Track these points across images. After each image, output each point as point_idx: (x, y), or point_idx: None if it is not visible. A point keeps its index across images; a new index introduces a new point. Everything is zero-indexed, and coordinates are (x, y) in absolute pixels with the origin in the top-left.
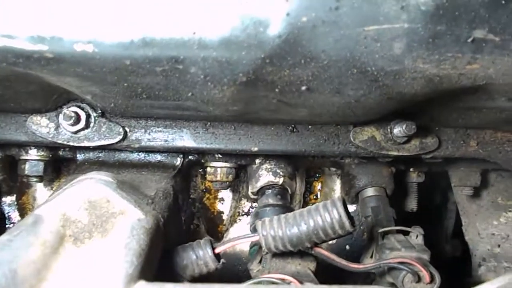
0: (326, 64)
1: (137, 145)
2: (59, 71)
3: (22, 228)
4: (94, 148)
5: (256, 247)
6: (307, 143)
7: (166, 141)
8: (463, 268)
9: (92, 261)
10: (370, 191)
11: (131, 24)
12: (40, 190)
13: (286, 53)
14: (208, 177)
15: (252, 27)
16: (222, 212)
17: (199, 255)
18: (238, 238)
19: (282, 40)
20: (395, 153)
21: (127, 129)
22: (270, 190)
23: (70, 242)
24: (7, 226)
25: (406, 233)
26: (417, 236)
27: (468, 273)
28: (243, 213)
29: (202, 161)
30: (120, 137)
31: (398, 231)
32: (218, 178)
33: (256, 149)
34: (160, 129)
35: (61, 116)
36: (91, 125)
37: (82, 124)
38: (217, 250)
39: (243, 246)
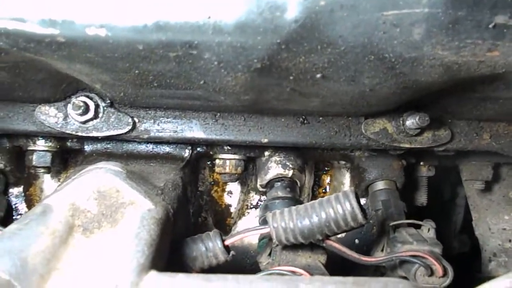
0: (343, 50)
1: (146, 136)
2: (70, 56)
3: (31, 217)
4: (102, 139)
5: (265, 239)
6: (317, 135)
7: (175, 132)
8: (470, 264)
9: (102, 251)
10: (380, 185)
11: (144, 7)
12: (47, 182)
13: (302, 39)
14: (217, 169)
15: (268, 11)
16: (230, 205)
17: (209, 247)
18: (248, 230)
19: (299, 25)
20: (407, 145)
21: (136, 120)
22: (279, 183)
23: (79, 232)
24: (14, 217)
25: (417, 227)
26: (428, 230)
27: (477, 268)
28: (252, 206)
29: (211, 153)
30: (129, 127)
31: (409, 225)
32: (227, 170)
33: (266, 140)
34: (169, 119)
35: (69, 105)
36: (100, 115)
37: (91, 114)
38: (226, 242)
39: (251, 239)
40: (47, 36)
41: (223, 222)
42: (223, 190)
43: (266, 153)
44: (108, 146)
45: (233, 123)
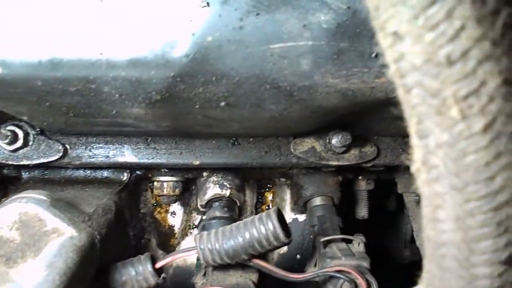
0: (238, 81)
1: (78, 162)
2: None
3: None
4: (37, 166)
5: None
6: (248, 156)
7: (107, 157)
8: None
9: (19, 281)
10: (317, 201)
11: (38, 45)
12: None
13: (195, 72)
14: (155, 191)
15: (159, 47)
16: (174, 226)
17: (139, 270)
18: (178, 252)
19: (190, 59)
20: (335, 163)
21: (68, 146)
22: (217, 203)
23: (2, 263)
24: None
25: (350, 242)
26: (359, 244)
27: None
28: (194, 226)
29: (149, 175)
30: (60, 154)
31: (343, 240)
32: (165, 192)
33: (198, 162)
34: (101, 145)
35: None
36: (30, 143)
37: (20, 142)
38: (157, 265)
39: (194, 260)
40: None
41: (167, 243)
42: (166, 211)
43: (205, 174)
44: (46, 172)
45: (165, 147)
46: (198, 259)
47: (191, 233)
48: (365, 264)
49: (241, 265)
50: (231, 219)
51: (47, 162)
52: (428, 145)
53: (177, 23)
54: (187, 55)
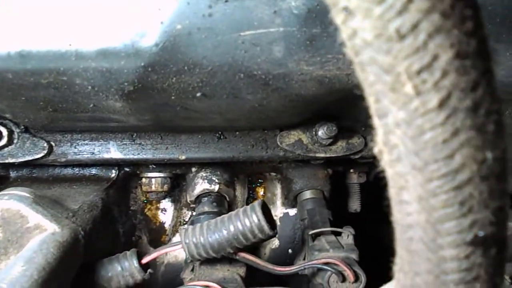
0: (212, 70)
1: (63, 159)
2: None
3: None
4: (24, 165)
5: None
6: (235, 149)
7: (92, 153)
8: None
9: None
10: (307, 194)
11: (7, 36)
12: None
13: (167, 61)
14: (144, 188)
15: (128, 37)
16: (164, 222)
17: (125, 266)
18: (164, 247)
19: (160, 48)
20: (323, 155)
21: (53, 144)
22: (206, 198)
23: None
24: None
25: (340, 234)
26: (348, 236)
27: None
28: (184, 222)
29: (138, 172)
30: (45, 151)
31: (332, 232)
32: (153, 188)
33: (184, 157)
34: (86, 142)
35: None
36: (15, 141)
37: (4, 140)
38: (143, 261)
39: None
40: None
41: (158, 240)
42: (157, 208)
43: (193, 169)
44: (34, 171)
45: (150, 142)
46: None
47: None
48: (354, 256)
49: (229, 259)
50: (220, 214)
51: (32, 160)
52: (387, 124)
53: (146, 12)
54: (156, 44)
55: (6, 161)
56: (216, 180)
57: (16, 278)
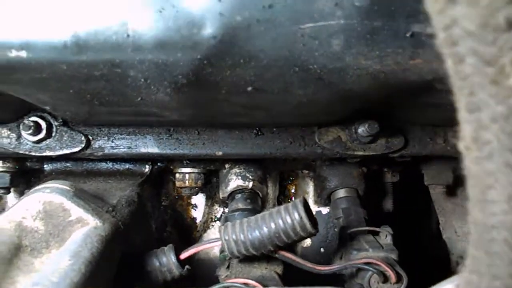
0: (267, 64)
1: (100, 153)
2: (1, 79)
3: None
4: (60, 158)
5: (225, 252)
6: (272, 146)
7: (129, 148)
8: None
9: (44, 271)
10: (341, 193)
11: (63, 27)
12: (10, 202)
13: (223, 54)
14: (177, 183)
15: (186, 28)
16: (196, 218)
17: (163, 262)
18: (202, 243)
19: (218, 41)
20: (361, 153)
21: (90, 137)
22: (240, 195)
23: (26, 253)
24: None
25: (377, 234)
26: (386, 236)
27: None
28: (216, 219)
29: (171, 167)
30: (83, 145)
31: (370, 232)
32: (187, 184)
33: (220, 153)
34: (123, 136)
35: (21, 126)
36: (53, 134)
37: (43, 133)
38: (181, 257)
39: (217, 253)
40: None
41: (189, 236)
42: (188, 204)
43: (227, 166)
44: (68, 164)
45: (187, 137)
46: (221, 252)
47: (213, 225)
48: (394, 256)
49: (266, 257)
50: (254, 211)
51: (70, 153)
52: (481, 119)
53: (205, 3)
54: (214, 36)
55: (44, 154)
56: (250, 177)
57: (65, 272)
